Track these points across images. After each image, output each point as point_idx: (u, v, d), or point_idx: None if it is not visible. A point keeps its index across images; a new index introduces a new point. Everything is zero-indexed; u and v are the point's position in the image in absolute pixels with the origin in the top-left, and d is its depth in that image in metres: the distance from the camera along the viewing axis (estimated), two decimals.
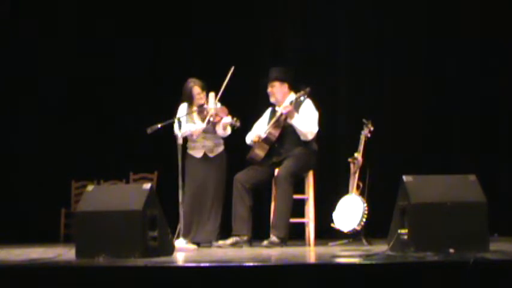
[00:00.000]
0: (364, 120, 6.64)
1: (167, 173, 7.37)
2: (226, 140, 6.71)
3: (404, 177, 4.80)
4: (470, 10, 7.83)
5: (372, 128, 6.61)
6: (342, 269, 4.06)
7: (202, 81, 6.63)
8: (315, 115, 6.46)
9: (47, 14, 8.54)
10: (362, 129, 6.63)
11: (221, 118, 6.47)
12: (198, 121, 6.57)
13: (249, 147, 6.59)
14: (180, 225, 6.19)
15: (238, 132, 6.66)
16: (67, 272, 4.19)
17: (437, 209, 4.63)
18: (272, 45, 8.20)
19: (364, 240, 6.36)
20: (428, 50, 7.94)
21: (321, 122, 6.50)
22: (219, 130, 6.53)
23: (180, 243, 6.05)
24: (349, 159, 6.60)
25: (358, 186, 6.53)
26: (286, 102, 6.43)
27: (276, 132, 6.40)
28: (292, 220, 6.38)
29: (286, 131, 6.40)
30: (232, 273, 4.00)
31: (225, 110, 6.52)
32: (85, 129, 8.39)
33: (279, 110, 6.41)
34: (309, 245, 6.41)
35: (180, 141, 6.29)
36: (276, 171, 6.40)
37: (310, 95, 6.45)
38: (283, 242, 6.18)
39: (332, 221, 6.51)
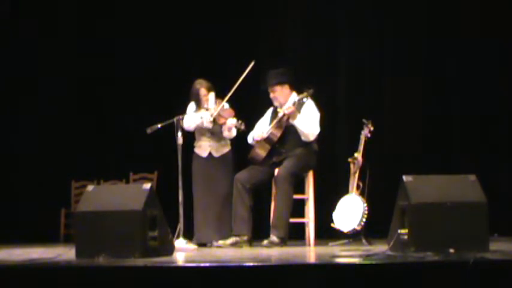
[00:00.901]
0: (364, 120, 6.64)
1: (167, 173, 7.37)
2: (233, 140, 6.71)
3: (404, 177, 4.80)
4: (470, 10, 7.83)
5: (372, 128, 6.61)
6: (342, 269, 4.06)
7: (209, 82, 6.64)
8: (317, 116, 6.46)
9: (46, 14, 8.53)
10: (362, 129, 6.62)
11: (226, 120, 6.48)
12: (205, 122, 6.56)
13: (252, 147, 6.59)
14: (180, 225, 6.20)
15: (242, 132, 6.66)
16: (67, 272, 4.19)
17: (437, 209, 4.63)
18: (272, 45, 8.19)
19: (364, 240, 6.36)
20: (428, 50, 7.94)
21: (321, 122, 6.50)
22: (224, 132, 6.54)
23: (180, 243, 6.05)
24: (349, 159, 6.60)
25: (358, 186, 6.53)
26: (289, 102, 6.43)
27: (278, 133, 6.40)
28: (292, 220, 6.38)
29: (287, 131, 6.41)
30: (232, 273, 4.00)
31: (231, 112, 6.53)
32: (85, 129, 8.39)
33: (281, 110, 6.41)
34: (309, 245, 6.41)
35: (180, 141, 6.31)
36: (276, 171, 6.40)
37: (313, 96, 6.45)
38: (283, 242, 6.18)
39: (332, 221, 6.51)
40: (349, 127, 7.44)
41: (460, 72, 7.85)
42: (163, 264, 4.36)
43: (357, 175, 6.54)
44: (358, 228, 6.36)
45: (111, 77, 8.44)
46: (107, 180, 8.16)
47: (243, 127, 6.49)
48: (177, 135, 6.33)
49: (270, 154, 6.44)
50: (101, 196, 5.14)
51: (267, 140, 6.43)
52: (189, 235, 6.45)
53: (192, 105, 6.68)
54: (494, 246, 4.78)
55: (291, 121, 6.35)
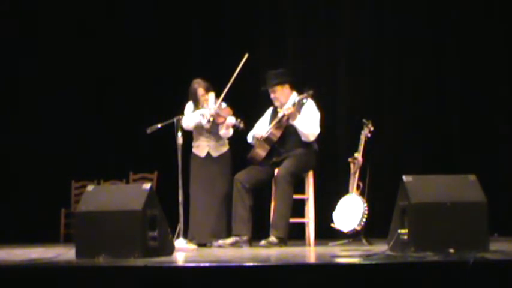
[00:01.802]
0: (364, 120, 6.64)
1: (167, 173, 7.37)
2: (231, 140, 6.71)
3: (404, 177, 4.80)
4: (470, 10, 7.83)
5: (372, 128, 6.61)
6: (342, 269, 4.06)
7: (207, 81, 6.64)
8: (317, 116, 6.46)
9: (46, 13, 8.53)
10: (362, 129, 6.62)
11: (225, 119, 6.48)
12: (204, 121, 6.57)
13: (251, 147, 6.60)
14: (180, 225, 6.20)
15: (239, 132, 6.66)
16: (67, 272, 4.19)
17: (437, 209, 4.63)
18: (272, 45, 8.19)
19: (364, 240, 6.36)
20: (428, 50, 7.94)
21: (321, 122, 6.50)
22: (222, 130, 6.54)
23: (180, 243, 6.05)
24: (349, 159, 6.60)
25: (358, 186, 6.53)
26: (290, 102, 6.42)
27: (278, 133, 6.40)
28: (292, 220, 6.38)
29: (287, 131, 6.40)
30: (232, 273, 4.00)
31: (230, 110, 6.54)
32: (85, 129, 8.39)
33: (282, 111, 6.41)
34: (309, 245, 6.41)
35: (180, 141, 6.31)
36: (276, 171, 6.40)
37: (313, 97, 6.45)
38: (283, 242, 6.18)
39: (332, 221, 6.51)
40: (349, 127, 7.45)
41: (460, 72, 7.85)
42: (163, 264, 4.36)
43: (357, 175, 6.54)
44: (358, 228, 6.36)
45: (111, 77, 8.44)
46: (107, 180, 8.16)
47: (242, 125, 6.50)
48: (177, 135, 6.34)
49: (269, 154, 6.44)
50: (101, 196, 5.14)
51: (267, 140, 6.43)
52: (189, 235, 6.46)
53: (190, 105, 6.68)
54: (494, 246, 4.78)
55: (291, 122, 6.35)
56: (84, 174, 8.24)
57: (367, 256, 4.41)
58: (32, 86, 8.47)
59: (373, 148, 6.82)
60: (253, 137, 6.58)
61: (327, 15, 8.12)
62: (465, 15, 7.85)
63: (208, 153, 6.61)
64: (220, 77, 6.75)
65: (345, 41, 8.07)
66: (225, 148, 6.67)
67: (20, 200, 8.29)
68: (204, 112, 6.49)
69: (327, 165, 7.25)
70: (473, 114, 7.76)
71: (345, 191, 6.58)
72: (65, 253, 5.03)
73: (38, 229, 8.01)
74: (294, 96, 6.47)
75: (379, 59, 8.04)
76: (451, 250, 4.43)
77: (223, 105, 6.57)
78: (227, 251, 5.69)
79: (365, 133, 6.61)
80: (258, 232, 6.46)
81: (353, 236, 6.42)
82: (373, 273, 3.94)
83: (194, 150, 6.66)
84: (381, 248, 5.06)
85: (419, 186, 4.75)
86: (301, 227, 6.65)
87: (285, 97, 6.49)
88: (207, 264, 4.16)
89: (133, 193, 5.03)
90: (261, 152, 6.43)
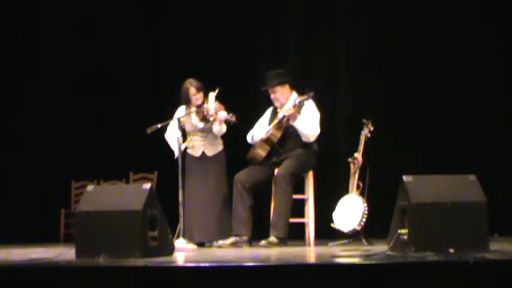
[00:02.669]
0: (364, 120, 6.64)
1: (167, 173, 7.37)
2: (227, 139, 6.71)
3: (404, 177, 4.80)
4: (470, 10, 7.83)
5: (372, 128, 6.61)
6: (342, 269, 4.06)
7: (199, 81, 6.62)
8: (317, 117, 6.45)
9: (46, 13, 8.53)
10: (362, 129, 6.62)
11: (216, 114, 6.47)
12: (196, 121, 6.58)
13: (249, 146, 6.59)
14: (180, 225, 6.19)
15: (239, 132, 6.66)
16: (67, 272, 4.19)
17: (437, 209, 4.63)
18: (272, 45, 8.19)
19: (364, 240, 6.36)
20: (428, 50, 7.94)
21: (321, 122, 6.49)
22: (215, 127, 6.53)
23: (180, 243, 6.05)
24: (349, 159, 6.60)
25: (358, 186, 6.53)
26: (290, 102, 6.42)
27: (278, 134, 6.40)
28: (292, 220, 6.38)
29: (287, 132, 6.40)
30: (232, 273, 4.00)
31: (221, 106, 6.53)
32: (85, 129, 8.39)
33: (282, 112, 6.41)
34: (309, 245, 6.41)
35: (180, 141, 6.31)
36: (276, 171, 6.40)
37: (314, 98, 6.45)
38: (283, 242, 6.18)
39: (332, 221, 6.51)
40: (349, 127, 7.44)
41: (460, 72, 7.86)
42: (163, 264, 4.36)
43: (357, 175, 6.54)
44: (358, 228, 6.36)
45: (110, 77, 8.44)
46: (107, 180, 8.16)
47: (234, 119, 6.48)
48: (177, 135, 6.33)
49: (269, 154, 6.44)
50: (101, 196, 5.14)
51: (267, 140, 6.43)
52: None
53: (181, 109, 6.63)
54: (494, 246, 4.78)
55: (291, 122, 6.35)
56: (84, 174, 8.24)
57: (367, 256, 4.41)
58: (32, 86, 8.46)
59: (373, 148, 6.82)
60: (252, 138, 6.57)
61: (327, 15, 8.12)
62: (465, 15, 7.85)
63: (204, 153, 6.60)
64: (221, 77, 6.75)
65: (345, 41, 8.07)
66: (220, 147, 6.67)
67: (20, 200, 8.29)
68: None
69: (327, 165, 7.24)
70: (473, 114, 7.75)
71: (345, 191, 6.58)
72: (65, 253, 5.03)
73: (38, 229, 8.01)
74: (294, 97, 6.47)
75: (379, 59, 8.03)
76: (451, 250, 4.43)
77: (213, 102, 6.53)
78: (227, 251, 5.69)
79: (365, 133, 6.61)
80: (258, 232, 6.46)
81: (353, 236, 6.42)
82: (373, 273, 3.94)
83: (189, 150, 6.63)
84: (381, 248, 5.06)
85: (419, 186, 4.75)
86: (301, 227, 6.65)
87: (285, 97, 6.49)
88: (207, 264, 4.16)
89: (133, 193, 5.03)
90: (261, 152, 6.43)
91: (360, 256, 4.60)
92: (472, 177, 4.84)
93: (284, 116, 6.36)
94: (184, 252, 5.59)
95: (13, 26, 8.52)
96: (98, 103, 8.41)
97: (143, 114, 7.85)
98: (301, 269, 4.07)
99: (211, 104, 6.51)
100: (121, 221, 4.84)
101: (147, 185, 5.02)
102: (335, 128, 7.83)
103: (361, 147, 6.59)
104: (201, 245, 6.39)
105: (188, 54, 8.29)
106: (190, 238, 6.35)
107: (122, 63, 8.39)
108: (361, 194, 6.50)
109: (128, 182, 8.16)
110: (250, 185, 6.35)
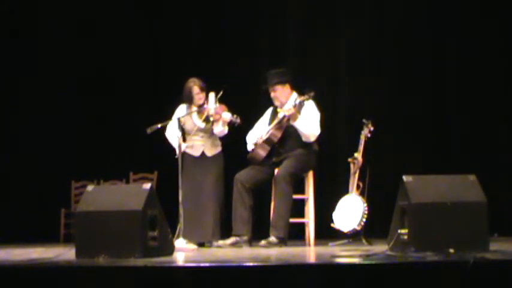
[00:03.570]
0: (364, 120, 6.64)
1: (167, 173, 7.37)
2: (226, 139, 6.71)
3: (404, 177, 4.80)
4: (470, 10, 7.83)
5: (372, 128, 6.61)
6: (342, 269, 4.06)
7: (202, 81, 6.62)
8: (318, 117, 6.45)
9: (46, 13, 8.53)
10: (362, 129, 6.62)
11: (220, 116, 6.47)
12: (197, 121, 6.58)
13: (246, 146, 6.59)
14: (180, 225, 6.19)
15: (238, 132, 6.66)
16: (67, 272, 4.19)
17: (437, 209, 4.63)
18: (272, 45, 8.19)
19: (364, 240, 6.36)
20: (428, 50, 7.94)
21: (322, 122, 6.49)
22: (218, 128, 6.53)
23: (180, 243, 6.05)
24: (349, 159, 6.60)
25: (358, 186, 6.52)
26: (290, 102, 6.42)
27: (278, 134, 6.40)
28: (292, 220, 6.38)
29: (287, 131, 6.40)
30: (232, 273, 4.00)
31: (224, 107, 6.53)
32: (85, 129, 8.39)
33: (282, 112, 6.40)
34: (309, 245, 6.41)
35: (180, 141, 6.30)
36: (276, 171, 6.40)
37: (314, 98, 6.45)
38: (283, 242, 6.18)
39: (332, 221, 6.51)
40: (349, 127, 7.45)
41: (460, 72, 7.86)
42: (163, 264, 4.36)
43: (357, 175, 6.54)
44: (358, 228, 6.36)
45: (110, 77, 8.45)
46: (107, 180, 8.16)
47: (238, 120, 6.48)
48: (177, 135, 6.33)
49: (269, 154, 6.44)
50: (101, 196, 5.14)
51: (267, 140, 6.43)
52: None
53: (182, 108, 6.63)
54: (494, 246, 4.78)
55: (291, 122, 6.35)
56: (84, 174, 8.24)
57: (367, 256, 4.41)
58: (32, 86, 8.46)
59: (373, 148, 6.82)
60: (253, 143, 6.58)
61: (327, 15, 8.12)
62: (465, 15, 7.85)
63: (203, 153, 6.60)
64: (221, 77, 6.75)
65: (345, 41, 8.07)
66: (219, 148, 6.67)
67: (20, 200, 8.30)
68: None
69: (327, 165, 7.25)
70: (473, 114, 7.76)
71: (345, 191, 6.58)
72: (65, 253, 5.03)
73: (38, 229, 8.01)
74: (294, 97, 6.47)
75: (379, 59, 8.03)
76: (451, 250, 4.43)
77: (213, 102, 6.52)
78: (227, 251, 5.69)
79: (365, 133, 6.61)
80: (258, 232, 6.46)
81: (353, 236, 6.42)
82: (373, 273, 3.94)
83: (188, 150, 6.62)
84: (381, 248, 5.06)
85: (419, 186, 4.75)
86: (301, 227, 6.65)
87: (285, 97, 6.49)
88: (207, 264, 4.16)
89: (133, 193, 5.03)
90: (261, 152, 6.43)
91: (360, 256, 4.60)
92: (472, 177, 4.84)
93: (284, 116, 6.36)
94: (184, 252, 5.59)
95: (13, 26, 8.53)
96: (98, 103, 8.41)
97: (143, 114, 7.85)
98: (301, 269, 4.07)
99: (211, 104, 6.51)
100: (121, 221, 4.84)
101: (147, 185, 5.02)
102: (335, 128, 7.83)
103: (361, 147, 6.59)
104: (201, 244, 6.39)
105: (188, 54, 8.29)
106: (184, 237, 6.35)
107: (122, 63, 8.39)
108: (361, 194, 6.50)
109: (127, 182, 8.16)
110: (250, 185, 6.35)
